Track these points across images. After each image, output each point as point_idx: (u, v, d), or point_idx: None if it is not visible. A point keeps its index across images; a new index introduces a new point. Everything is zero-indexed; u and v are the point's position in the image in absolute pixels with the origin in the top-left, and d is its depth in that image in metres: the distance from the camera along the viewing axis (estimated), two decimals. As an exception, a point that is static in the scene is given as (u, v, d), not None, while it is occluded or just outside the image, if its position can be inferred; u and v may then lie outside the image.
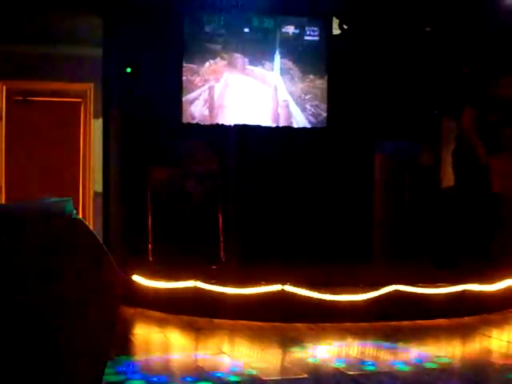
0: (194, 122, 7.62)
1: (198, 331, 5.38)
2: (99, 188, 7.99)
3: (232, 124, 7.77)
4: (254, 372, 4.22)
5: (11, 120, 8.28)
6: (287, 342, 5.12)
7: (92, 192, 8.35)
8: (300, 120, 7.86)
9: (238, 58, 7.76)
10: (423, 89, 7.85)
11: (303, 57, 7.86)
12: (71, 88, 8.40)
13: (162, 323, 5.64)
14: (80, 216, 7.22)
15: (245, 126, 7.75)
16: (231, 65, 7.72)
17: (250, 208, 7.51)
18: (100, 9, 7.46)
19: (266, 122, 7.81)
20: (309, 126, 7.85)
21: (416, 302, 5.91)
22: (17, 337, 1.35)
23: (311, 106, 7.86)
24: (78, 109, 8.54)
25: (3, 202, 8.12)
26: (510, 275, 6.39)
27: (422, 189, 7.97)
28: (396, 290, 5.89)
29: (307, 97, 7.82)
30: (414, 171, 7.96)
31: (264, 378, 4.09)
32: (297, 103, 7.87)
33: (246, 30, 7.75)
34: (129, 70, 7.46)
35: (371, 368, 4.39)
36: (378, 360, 4.68)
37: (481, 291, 6.14)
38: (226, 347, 5.00)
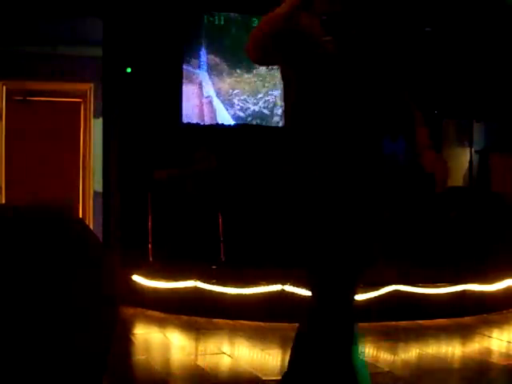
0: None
1: (197, 331, 5.38)
2: (99, 188, 7.99)
3: (232, 124, 7.77)
4: (254, 372, 4.22)
5: (11, 120, 8.28)
6: (287, 341, 5.11)
7: (92, 192, 8.35)
8: (224, 116, 7.79)
9: None
10: (423, 89, 7.85)
11: (230, 51, 7.79)
12: (71, 88, 8.40)
13: (162, 323, 5.64)
14: (80, 216, 7.19)
15: (244, 126, 7.76)
16: None
17: (250, 208, 7.51)
18: (100, 9, 7.46)
19: (193, 120, 7.74)
20: (233, 122, 7.79)
21: (416, 302, 5.91)
22: (18, 338, 1.35)
23: (239, 100, 7.82)
24: (78, 109, 8.54)
25: (3, 202, 8.12)
26: (510, 275, 6.39)
27: (422, 189, 7.97)
28: (396, 290, 5.89)
29: (235, 91, 7.77)
30: (414, 171, 7.95)
31: (264, 378, 4.09)
32: (224, 99, 7.78)
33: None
34: (129, 69, 7.46)
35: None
36: (378, 360, 4.68)
37: (481, 291, 6.14)
38: (225, 347, 5.00)
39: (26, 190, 8.03)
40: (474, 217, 7.70)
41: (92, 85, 8.35)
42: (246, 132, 7.78)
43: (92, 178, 8.39)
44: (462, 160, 8.70)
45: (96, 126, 8.29)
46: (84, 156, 8.51)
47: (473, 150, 8.61)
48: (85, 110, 8.52)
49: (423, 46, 7.85)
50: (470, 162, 8.53)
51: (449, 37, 7.91)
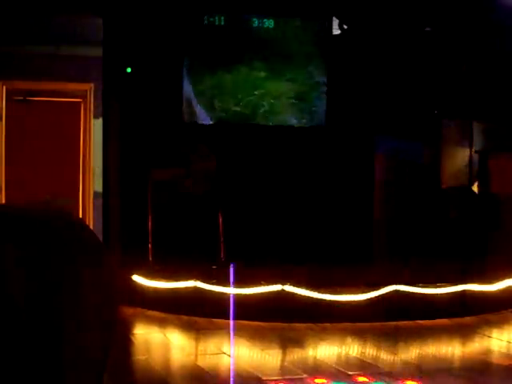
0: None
1: (197, 331, 5.38)
2: (99, 188, 7.99)
3: (231, 123, 7.77)
4: (254, 372, 4.22)
5: (11, 120, 8.27)
6: (287, 342, 5.12)
7: (92, 192, 8.34)
8: (203, 118, 7.75)
9: None
10: (423, 88, 7.85)
11: (212, 52, 7.78)
12: (71, 88, 8.39)
13: (162, 323, 5.64)
14: (80, 216, 7.18)
15: (244, 126, 7.75)
16: None
17: (250, 208, 7.51)
18: (100, 9, 7.47)
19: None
20: (210, 122, 7.74)
21: (416, 302, 5.91)
22: (16, 338, 1.35)
23: (219, 101, 7.80)
24: (78, 109, 8.53)
25: (3, 202, 8.11)
26: (510, 275, 6.39)
27: (422, 188, 7.97)
28: (396, 290, 5.89)
29: (215, 92, 7.75)
30: (414, 171, 7.96)
31: (264, 378, 4.09)
32: (204, 100, 7.76)
33: None
34: (129, 69, 7.46)
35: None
36: (378, 360, 4.68)
37: (481, 291, 6.14)
38: (226, 347, 5.00)
39: (26, 190, 8.03)
40: (473, 217, 7.70)
41: (92, 85, 8.34)
42: (248, 132, 7.77)
43: (92, 178, 8.38)
44: (462, 160, 8.69)
45: (96, 126, 8.29)
46: (84, 156, 8.50)
47: (473, 149, 8.60)
48: (85, 109, 8.51)
49: (423, 46, 7.85)
50: (470, 162, 8.52)
51: (448, 36, 7.91)
